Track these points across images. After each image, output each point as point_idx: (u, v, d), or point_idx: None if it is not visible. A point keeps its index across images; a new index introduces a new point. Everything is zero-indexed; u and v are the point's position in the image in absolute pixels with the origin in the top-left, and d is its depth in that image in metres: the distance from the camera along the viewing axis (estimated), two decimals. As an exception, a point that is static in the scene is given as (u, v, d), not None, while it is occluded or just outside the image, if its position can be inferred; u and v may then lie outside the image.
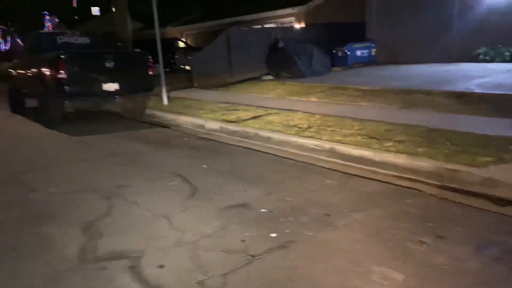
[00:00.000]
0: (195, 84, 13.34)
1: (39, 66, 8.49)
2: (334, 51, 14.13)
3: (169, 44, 20.66)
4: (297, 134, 5.86)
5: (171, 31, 27.14)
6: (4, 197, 4.10)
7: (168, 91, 10.16)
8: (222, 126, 7.09)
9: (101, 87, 7.88)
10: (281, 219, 3.30)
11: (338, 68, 13.95)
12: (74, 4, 40.58)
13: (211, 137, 6.65)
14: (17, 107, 10.55)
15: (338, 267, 2.56)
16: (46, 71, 8.07)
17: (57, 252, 2.91)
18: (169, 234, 3.11)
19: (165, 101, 10.03)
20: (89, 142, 6.59)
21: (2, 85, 16.53)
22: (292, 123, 6.57)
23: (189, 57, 17.38)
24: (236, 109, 8.26)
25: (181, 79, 14.33)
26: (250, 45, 13.64)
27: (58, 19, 43.29)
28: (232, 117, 7.50)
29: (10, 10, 40.39)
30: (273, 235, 3.04)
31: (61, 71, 7.46)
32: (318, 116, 6.90)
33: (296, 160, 5.02)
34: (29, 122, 9.07)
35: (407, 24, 14.66)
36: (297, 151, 5.39)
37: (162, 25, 27.96)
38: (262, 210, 3.50)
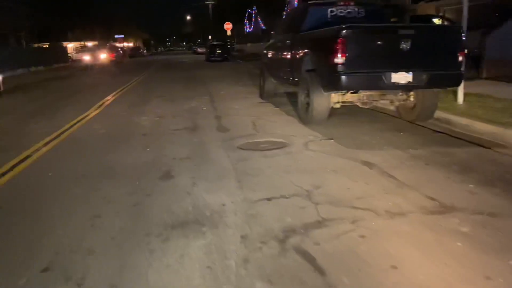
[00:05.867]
0: (483, 74, 9.68)
1: (304, 47, 6.71)
2: None
3: (424, 22, 17.04)
4: None
5: (423, 7, 23.08)
6: None
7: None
8: None
9: (388, 77, 5.46)
10: None
11: None
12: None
13: None
14: (269, 94, 9.35)
15: None
16: (316, 53, 6.18)
17: None
18: None
19: (460, 99, 6.96)
20: (376, 163, 4.26)
21: (243, 67, 16.11)
22: None
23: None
24: None
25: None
26: None
27: None
28: None
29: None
30: None
31: (338, 54, 5.35)
32: None
33: None
34: (281, 114, 7.53)
35: None
36: None
37: (413, 1, 24.09)
38: None
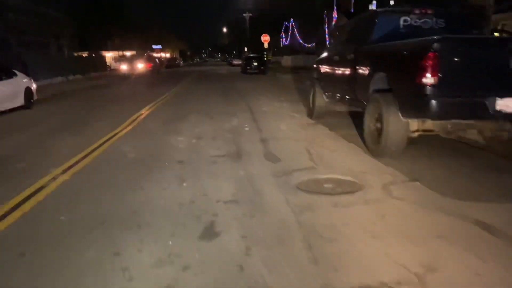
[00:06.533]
0: None
1: (374, 62, 5.57)
2: None
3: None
4: None
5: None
6: None
7: None
8: None
9: (492, 103, 4.24)
10: None
11: None
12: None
13: None
14: (320, 114, 8.22)
15: None
16: (393, 69, 5.03)
17: None
18: None
19: None
20: (497, 226, 3.03)
21: (282, 80, 15.23)
22: None
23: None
24: None
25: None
26: None
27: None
28: None
29: (292, 7, 42.59)
30: None
31: (427, 73, 4.19)
32: None
33: None
34: (339, 140, 6.36)
35: None
36: None
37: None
38: None
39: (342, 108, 7.64)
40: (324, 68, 7.82)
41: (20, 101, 11.66)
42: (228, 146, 6.12)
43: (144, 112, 10.23)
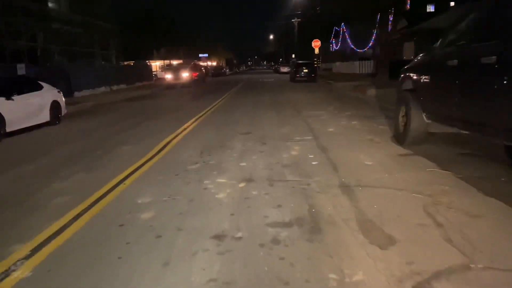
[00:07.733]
0: None
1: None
2: None
3: None
4: None
5: None
6: None
7: None
8: None
9: None
10: None
11: None
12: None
13: None
14: (416, 140, 5.89)
15: None
16: None
17: None
18: None
19: None
20: None
21: (337, 89, 13.01)
22: None
23: None
24: None
25: None
26: None
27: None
28: None
29: (346, 10, 39.82)
30: None
31: None
32: None
33: None
34: (470, 191, 4.00)
35: None
36: None
37: None
38: None
39: (436, 129, 5.44)
40: (427, 78, 5.48)
41: (44, 117, 10.22)
42: (293, 202, 3.96)
43: (181, 131, 8.35)
